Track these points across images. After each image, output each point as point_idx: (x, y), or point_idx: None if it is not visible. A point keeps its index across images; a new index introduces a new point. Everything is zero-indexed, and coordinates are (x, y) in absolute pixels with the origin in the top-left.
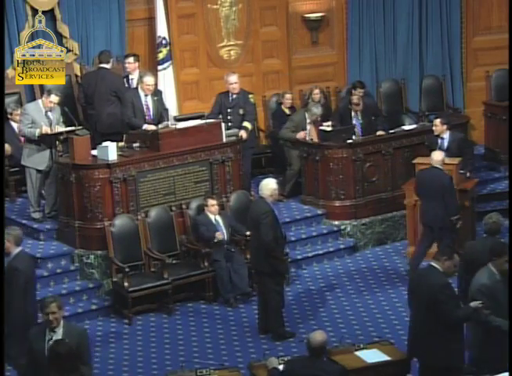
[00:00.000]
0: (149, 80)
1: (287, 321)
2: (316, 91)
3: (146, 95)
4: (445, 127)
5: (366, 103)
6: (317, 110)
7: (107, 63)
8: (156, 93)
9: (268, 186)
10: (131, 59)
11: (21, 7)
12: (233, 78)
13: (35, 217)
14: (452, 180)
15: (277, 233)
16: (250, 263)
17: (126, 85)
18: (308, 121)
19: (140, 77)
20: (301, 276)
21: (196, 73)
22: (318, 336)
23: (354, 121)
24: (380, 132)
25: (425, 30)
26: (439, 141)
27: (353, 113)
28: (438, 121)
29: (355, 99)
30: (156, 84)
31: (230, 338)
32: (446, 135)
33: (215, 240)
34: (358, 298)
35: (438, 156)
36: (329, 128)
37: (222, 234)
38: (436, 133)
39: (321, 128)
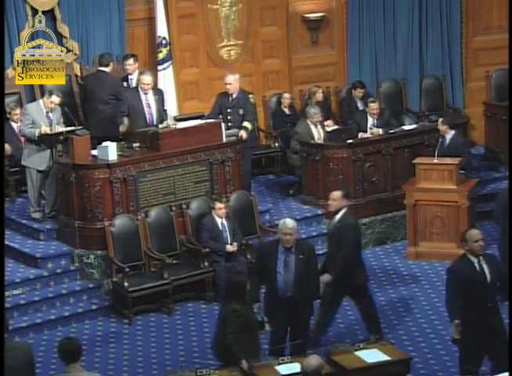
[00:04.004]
0: (145, 78)
1: None
2: (319, 90)
3: (145, 94)
4: (445, 127)
5: (383, 112)
6: (315, 110)
7: (107, 66)
8: (157, 92)
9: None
10: (131, 61)
11: (21, 7)
12: (228, 79)
13: (35, 217)
14: None
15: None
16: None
17: (126, 86)
18: (312, 126)
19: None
20: None
21: (196, 73)
22: (312, 360)
23: (369, 126)
24: (380, 130)
25: (425, 30)
26: (440, 139)
27: (370, 120)
28: (439, 121)
29: (373, 109)
30: (156, 84)
31: None
32: (449, 136)
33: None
34: None
35: None
36: (330, 128)
37: (233, 246)
38: (441, 133)
39: None
